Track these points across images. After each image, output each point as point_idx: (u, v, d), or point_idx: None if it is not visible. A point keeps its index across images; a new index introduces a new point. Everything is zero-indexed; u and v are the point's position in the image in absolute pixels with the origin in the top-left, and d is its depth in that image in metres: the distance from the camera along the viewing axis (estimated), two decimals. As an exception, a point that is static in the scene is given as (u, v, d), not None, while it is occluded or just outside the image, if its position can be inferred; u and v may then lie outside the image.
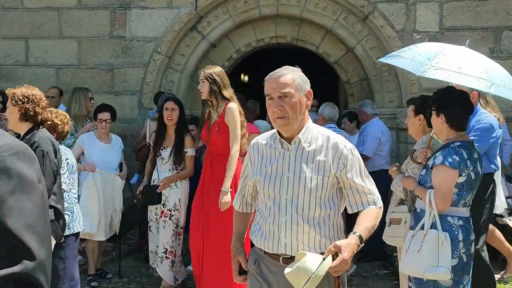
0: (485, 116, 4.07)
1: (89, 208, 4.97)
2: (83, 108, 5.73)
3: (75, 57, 6.93)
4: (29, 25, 6.94)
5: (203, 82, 4.36)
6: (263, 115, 7.83)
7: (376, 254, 5.94)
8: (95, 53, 6.92)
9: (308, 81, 2.35)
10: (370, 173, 6.16)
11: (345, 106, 7.74)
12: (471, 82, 3.06)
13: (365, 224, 2.30)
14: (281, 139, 2.34)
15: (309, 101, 2.33)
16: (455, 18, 6.55)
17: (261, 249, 2.38)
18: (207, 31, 6.90)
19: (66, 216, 3.63)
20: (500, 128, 4.14)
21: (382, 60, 3.68)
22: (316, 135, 2.34)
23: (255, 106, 6.95)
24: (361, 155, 6.18)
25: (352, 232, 2.25)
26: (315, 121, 6.31)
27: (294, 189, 2.28)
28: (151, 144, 5.11)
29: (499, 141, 4.15)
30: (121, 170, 5.35)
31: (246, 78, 11.74)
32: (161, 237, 4.79)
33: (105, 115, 5.28)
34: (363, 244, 2.27)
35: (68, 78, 6.92)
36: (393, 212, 3.45)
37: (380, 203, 2.38)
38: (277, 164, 2.33)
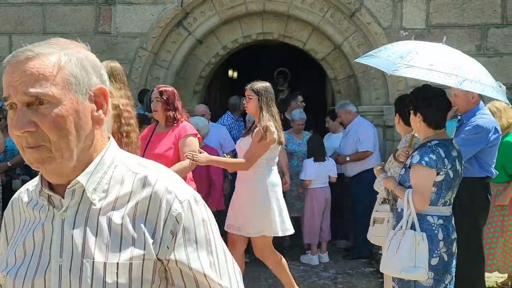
0: (480, 117, 3.92)
1: None
2: None
3: (60, 53, 6.84)
4: (13, 20, 6.85)
5: None
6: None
7: (362, 252, 5.94)
8: (80, 49, 6.83)
9: (99, 67, 1.23)
10: (366, 171, 6.04)
11: (332, 103, 7.73)
12: (442, 79, 3.05)
13: None
14: (44, 188, 1.17)
15: (101, 111, 1.18)
16: (442, 15, 6.54)
17: None
18: (193, 27, 6.85)
19: None
20: (497, 132, 3.91)
21: (358, 60, 3.66)
22: (122, 174, 1.18)
23: (239, 103, 6.79)
24: (366, 152, 6.15)
25: None
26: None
27: None
28: None
29: (495, 144, 3.93)
30: None
31: (235, 75, 11.68)
32: None
33: None
34: None
35: (52, 75, 6.83)
36: (377, 211, 3.44)
37: None
38: (41, 242, 1.16)
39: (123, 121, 3.71)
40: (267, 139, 4.01)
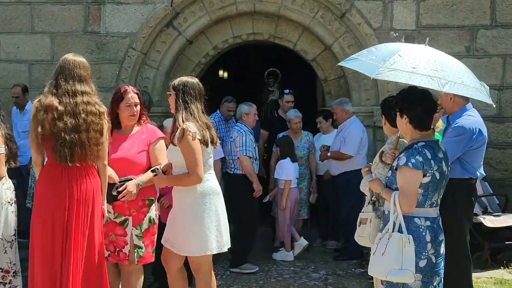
0: (464, 118, 3.92)
1: None
2: None
3: (48, 52, 6.79)
4: (0, 19, 6.78)
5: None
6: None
7: (352, 253, 5.94)
8: (69, 49, 6.75)
9: None
10: (351, 172, 6.05)
11: (322, 104, 7.73)
12: (425, 82, 3.01)
13: None
14: None
15: None
16: (432, 16, 6.56)
17: None
18: (183, 27, 6.82)
19: None
20: (481, 133, 3.92)
21: (341, 64, 3.62)
22: None
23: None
24: (344, 154, 6.12)
25: None
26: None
27: None
28: None
29: (480, 146, 3.94)
30: None
31: (225, 75, 11.65)
32: None
33: None
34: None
35: (40, 74, 6.78)
36: (363, 212, 3.44)
37: None
38: None
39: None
40: (185, 140, 3.50)
